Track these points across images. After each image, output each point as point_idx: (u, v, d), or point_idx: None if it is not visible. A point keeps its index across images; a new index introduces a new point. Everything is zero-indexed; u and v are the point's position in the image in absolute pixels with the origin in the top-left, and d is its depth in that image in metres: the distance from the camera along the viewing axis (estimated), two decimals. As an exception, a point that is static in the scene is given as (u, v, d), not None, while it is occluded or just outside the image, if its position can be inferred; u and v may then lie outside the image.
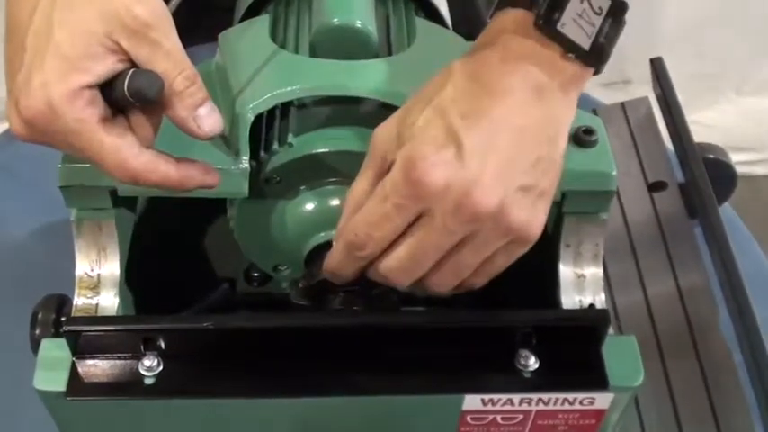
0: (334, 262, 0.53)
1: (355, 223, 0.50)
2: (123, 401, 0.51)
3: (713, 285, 0.74)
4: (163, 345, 0.51)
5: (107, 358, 0.51)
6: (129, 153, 0.49)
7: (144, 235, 0.63)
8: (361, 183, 0.51)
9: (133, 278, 0.60)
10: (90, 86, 0.47)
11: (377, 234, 0.49)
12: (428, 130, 0.48)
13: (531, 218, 0.49)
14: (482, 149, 0.47)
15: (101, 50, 0.47)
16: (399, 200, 0.48)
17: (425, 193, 0.47)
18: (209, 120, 0.50)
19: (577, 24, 0.49)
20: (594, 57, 0.50)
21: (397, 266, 0.50)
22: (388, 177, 0.49)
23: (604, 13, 0.50)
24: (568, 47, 0.50)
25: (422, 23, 0.64)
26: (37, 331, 0.57)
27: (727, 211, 0.85)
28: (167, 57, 0.49)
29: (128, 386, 0.51)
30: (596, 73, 0.51)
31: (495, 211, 0.48)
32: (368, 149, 0.51)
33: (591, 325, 0.52)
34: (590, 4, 0.50)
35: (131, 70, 0.48)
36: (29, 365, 0.52)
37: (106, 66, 0.48)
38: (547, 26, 0.49)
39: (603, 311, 0.55)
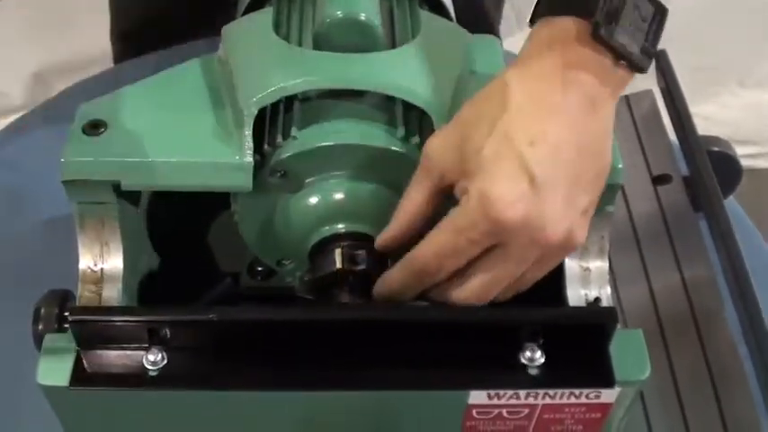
0: (399, 284, 0.53)
1: (426, 253, 0.51)
2: (127, 392, 0.51)
3: (718, 278, 0.74)
4: (168, 336, 0.51)
5: (112, 349, 0.51)
6: None
7: (148, 229, 0.62)
8: (417, 196, 0.52)
9: (137, 273, 0.60)
10: None
11: (449, 263, 0.50)
12: (497, 161, 0.48)
13: (585, 232, 0.51)
14: (552, 178, 0.48)
15: None
16: (475, 236, 0.49)
17: (504, 231, 0.48)
18: None
19: (629, 32, 0.50)
20: (643, 62, 0.51)
21: (471, 296, 0.51)
22: (461, 211, 0.49)
23: (650, 19, 0.51)
24: (621, 55, 0.50)
25: (426, 16, 0.63)
26: (40, 326, 0.56)
27: (731, 204, 0.85)
28: None
29: (132, 377, 0.51)
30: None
31: (563, 241, 0.49)
32: (420, 163, 0.52)
33: (600, 323, 0.52)
34: (639, 13, 0.51)
35: None
36: (29, 362, 0.52)
37: None
38: (607, 37, 0.49)
39: (612, 309, 0.55)
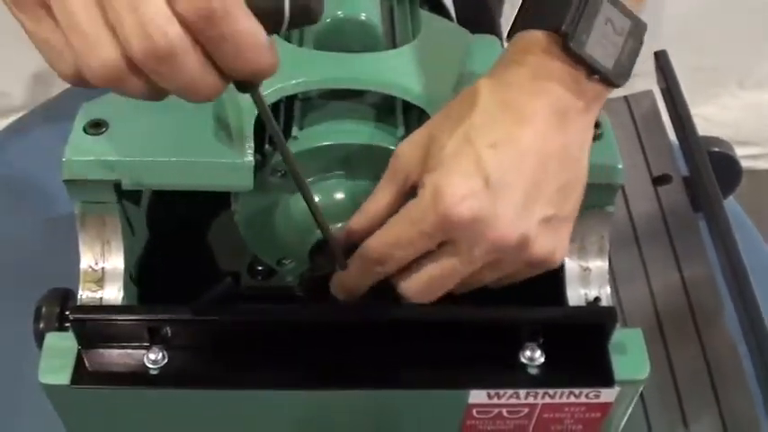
0: (353, 275, 0.53)
1: (378, 242, 0.51)
2: (128, 391, 0.51)
3: (717, 278, 0.74)
4: (169, 335, 0.51)
5: (113, 348, 0.51)
6: (264, 38, 0.41)
7: (149, 229, 0.63)
8: (381, 197, 0.52)
9: (137, 272, 0.60)
10: None
11: (398, 254, 0.50)
12: (456, 158, 0.48)
13: (554, 246, 0.50)
14: (509, 181, 0.48)
15: None
16: (426, 228, 0.48)
17: (452, 226, 0.48)
18: None
19: (602, 45, 0.50)
20: (618, 76, 0.51)
21: (418, 289, 0.51)
22: (416, 203, 0.49)
23: (626, 33, 0.51)
24: (594, 68, 0.50)
25: (426, 15, 0.64)
26: (41, 325, 0.56)
27: (731, 204, 0.85)
28: None
29: (133, 376, 0.51)
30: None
31: (516, 245, 0.49)
32: (389, 163, 0.52)
33: (600, 323, 0.52)
34: (613, 26, 0.50)
35: None
36: (30, 361, 0.52)
37: None
38: (576, 48, 0.50)
39: (611, 309, 0.55)
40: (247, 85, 0.43)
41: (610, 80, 0.51)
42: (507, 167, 0.48)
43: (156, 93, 0.41)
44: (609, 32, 0.50)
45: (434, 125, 0.51)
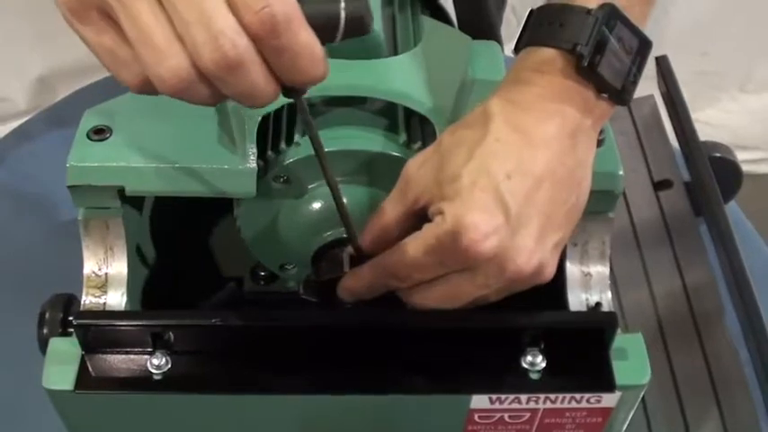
0: (366, 285, 0.53)
1: (396, 262, 0.51)
2: (132, 396, 0.52)
3: (719, 283, 0.75)
4: (172, 340, 0.51)
5: (116, 353, 0.52)
6: (320, 50, 0.43)
7: (151, 234, 0.63)
8: (390, 213, 0.52)
9: (140, 277, 0.60)
10: None
11: (416, 276, 0.51)
12: (475, 191, 0.48)
13: (555, 267, 0.51)
14: (527, 213, 0.48)
15: None
16: (445, 259, 0.49)
17: (474, 259, 0.48)
18: None
19: (612, 65, 0.50)
20: (624, 95, 0.51)
21: (430, 304, 0.52)
22: (434, 232, 0.49)
23: (634, 52, 0.51)
24: (604, 87, 0.50)
25: (428, 22, 0.64)
26: (45, 330, 0.57)
27: (732, 209, 0.85)
28: None
29: (137, 381, 0.51)
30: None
31: (532, 274, 0.49)
32: (398, 182, 0.52)
33: (600, 328, 0.52)
34: (623, 45, 0.51)
35: None
36: (34, 365, 0.52)
37: None
38: (591, 69, 0.50)
39: (612, 314, 0.55)
40: (296, 91, 0.45)
41: (619, 99, 0.51)
42: (524, 199, 0.48)
43: (217, 98, 0.43)
44: (620, 52, 0.50)
45: (445, 147, 0.51)
